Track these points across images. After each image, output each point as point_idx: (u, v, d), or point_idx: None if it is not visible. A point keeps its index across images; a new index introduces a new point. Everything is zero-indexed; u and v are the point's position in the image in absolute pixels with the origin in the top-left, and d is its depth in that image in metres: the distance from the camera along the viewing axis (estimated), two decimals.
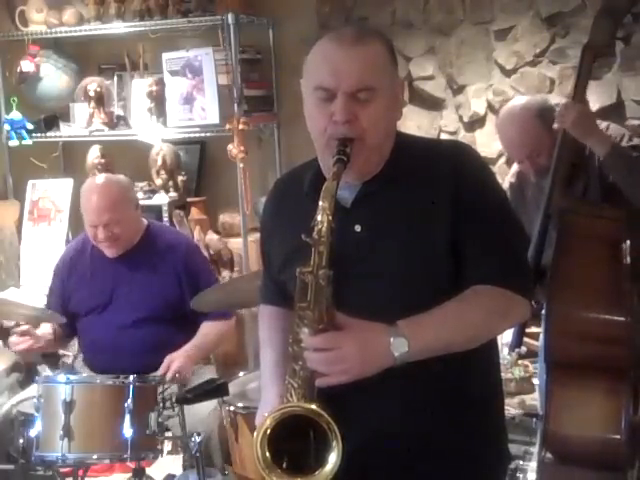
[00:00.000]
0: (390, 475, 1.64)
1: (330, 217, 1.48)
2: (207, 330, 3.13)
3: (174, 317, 3.10)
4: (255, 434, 1.49)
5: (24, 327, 3.05)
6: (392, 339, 1.46)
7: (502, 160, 3.85)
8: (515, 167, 3.04)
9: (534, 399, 3.24)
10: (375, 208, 1.62)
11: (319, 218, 1.48)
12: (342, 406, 1.48)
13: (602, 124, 2.79)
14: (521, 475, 2.93)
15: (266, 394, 1.72)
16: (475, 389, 1.66)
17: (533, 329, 3.28)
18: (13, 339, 3.04)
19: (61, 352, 3.88)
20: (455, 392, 1.63)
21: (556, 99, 3.66)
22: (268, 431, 1.48)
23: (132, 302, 3.09)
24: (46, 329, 3.13)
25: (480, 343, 1.60)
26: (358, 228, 1.62)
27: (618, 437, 2.47)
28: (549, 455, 2.56)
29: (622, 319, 2.52)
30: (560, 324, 2.57)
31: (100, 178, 3.23)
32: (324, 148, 1.61)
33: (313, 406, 1.46)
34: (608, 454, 2.48)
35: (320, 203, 1.49)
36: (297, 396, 1.50)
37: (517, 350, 3.17)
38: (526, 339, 3.36)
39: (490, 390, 1.73)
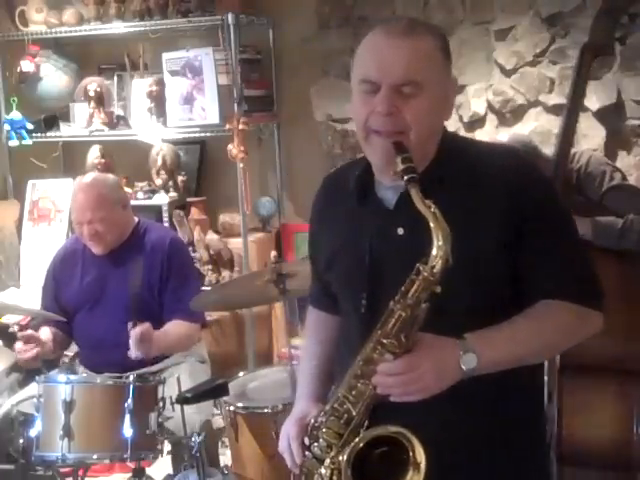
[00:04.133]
0: None
1: (448, 259, 1.41)
2: (169, 328, 3.08)
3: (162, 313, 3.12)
4: (346, 456, 1.48)
5: (28, 332, 3.02)
6: (461, 353, 1.45)
7: None
8: None
9: None
10: (418, 210, 1.50)
11: (434, 252, 1.42)
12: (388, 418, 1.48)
13: (584, 155, 2.73)
14: None
15: (299, 403, 1.74)
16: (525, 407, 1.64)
17: None
18: (19, 346, 2.97)
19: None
20: (503, 410, 1.59)
21: (556, 99, 3.68)
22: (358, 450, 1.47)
23: (120, 298, 3.07)
24: (46, 334, 3.11)
25: (551, 357, 1.58)
26: (401, 231, 1.58)
27: (631, 438, 2.46)
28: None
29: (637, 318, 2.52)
30: None
31: (87, 177, 3.26)
32: (364, 142, 1.57)
33: (410, 434, 1.46)
34: (621, 455, 2.48)
35: (434, 241, 1.42)
36: (355, 410, 1.52)
37: None
38: None
39: (534, 410, 1.71)
